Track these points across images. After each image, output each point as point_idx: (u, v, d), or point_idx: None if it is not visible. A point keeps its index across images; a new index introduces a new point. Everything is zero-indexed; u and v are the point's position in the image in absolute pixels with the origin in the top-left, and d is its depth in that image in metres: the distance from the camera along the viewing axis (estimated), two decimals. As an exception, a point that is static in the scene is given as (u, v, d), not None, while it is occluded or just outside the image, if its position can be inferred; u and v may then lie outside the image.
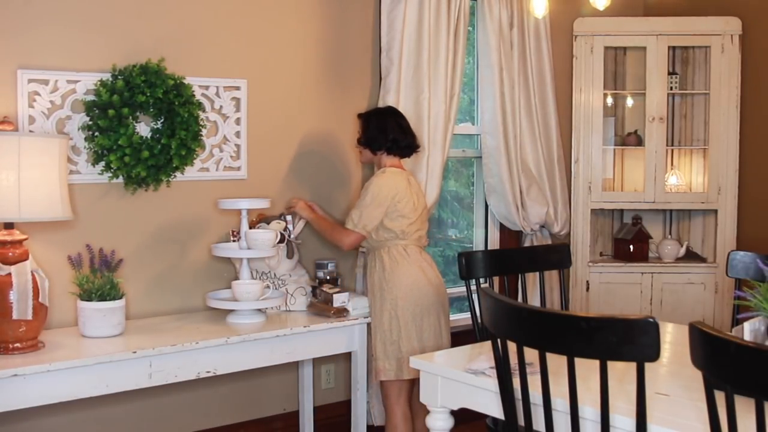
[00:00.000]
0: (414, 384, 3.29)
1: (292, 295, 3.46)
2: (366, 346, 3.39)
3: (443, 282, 3.45)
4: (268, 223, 3.47)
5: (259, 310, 3.29)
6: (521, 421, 2.13)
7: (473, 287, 3.06)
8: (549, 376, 2.00)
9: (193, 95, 3.30)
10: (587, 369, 2.03)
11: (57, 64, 3.09)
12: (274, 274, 3.47)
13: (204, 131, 3.38)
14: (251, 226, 3.43)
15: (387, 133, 3.40)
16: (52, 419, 3.15)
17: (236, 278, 3.33)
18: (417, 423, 3.37)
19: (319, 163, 3.80)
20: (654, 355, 1.81)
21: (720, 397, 1.66)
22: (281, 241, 3.42)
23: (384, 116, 3.46)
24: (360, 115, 3.51)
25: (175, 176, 3.30)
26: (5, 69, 2.98)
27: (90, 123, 3.09)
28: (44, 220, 2.84)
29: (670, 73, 4.75)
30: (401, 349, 3.28)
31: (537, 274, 3.64)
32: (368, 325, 3.37)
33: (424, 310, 3.31)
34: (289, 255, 3.49)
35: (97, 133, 3.09)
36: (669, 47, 4.69)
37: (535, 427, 2.12)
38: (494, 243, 4.62)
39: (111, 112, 3.05)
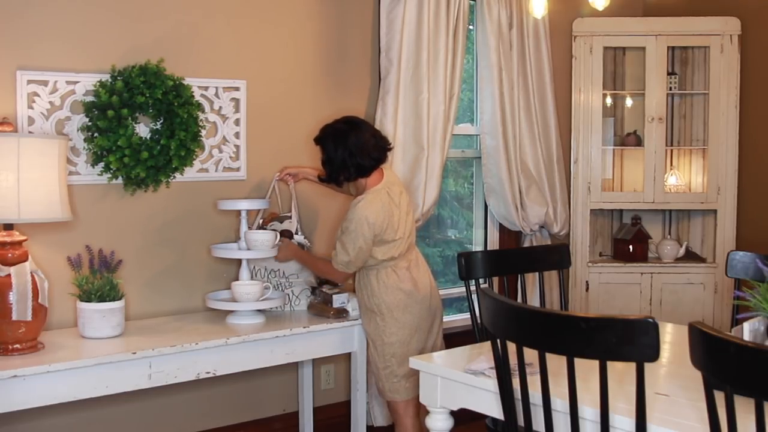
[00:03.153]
0: None
1: (297, 297, 3.45)
2: (365, 346, 3.39)
3: (434, 284, 3.35)
4: (281, 222, 3.46)
5: (259, 310, 3.29)
6: (521, 422, 2.14)
7: (473, 287, 3.06)
8: (549, 377, 2.01)
9: (193, 96, 3.30)
10: (587, 369, 2.03)
11: (56, 65, 3.09)
12: (283, 272, 3.47)
13: (203, 132, 3.38)
14: (264, 224, 3.43)
15: (347, 166, 3.13)
16: (51, 420, 3.14)
17: (236, 279, 3.33)
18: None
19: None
20: (654, 355, 1.81)
21: (720, 397, 1.66)
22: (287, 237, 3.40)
23: (334, 148, 3.13)
24: (316, 142, 3.24)
25: (174, 177, 3.30)
26: (4, 70, 2.98)
27: (89, 124, 3.09)
28: (44, 221, 2.84)
29: (669, 74, 4.75)
30: (392, 375, 3.22)
31: (536, 274, 3.65)
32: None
33: (420, 333, 3.23)
34: None
35: (96, 134, 3.08)
36: (668, 47, 4.69)
37: (534, 428, 2.12)
38: (494, 243, 4.62)
39: (110, 113, 3.05)
